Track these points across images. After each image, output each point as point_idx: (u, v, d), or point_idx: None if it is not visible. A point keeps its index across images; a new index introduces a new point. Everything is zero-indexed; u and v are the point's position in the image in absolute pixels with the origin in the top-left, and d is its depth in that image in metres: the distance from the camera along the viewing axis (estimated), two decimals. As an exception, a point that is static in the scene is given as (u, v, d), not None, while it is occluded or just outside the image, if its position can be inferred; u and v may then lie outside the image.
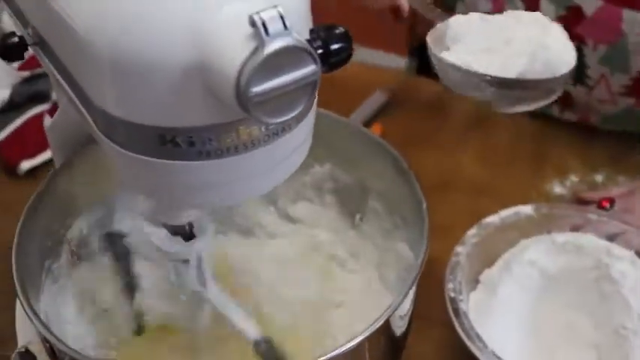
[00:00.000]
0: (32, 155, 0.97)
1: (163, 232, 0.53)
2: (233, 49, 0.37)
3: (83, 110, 0.47)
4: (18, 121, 1.00)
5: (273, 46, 0.36)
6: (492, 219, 0.80)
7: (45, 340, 0.52)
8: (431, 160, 0.96)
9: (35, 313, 0.49)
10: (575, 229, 0.80)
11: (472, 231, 0.78)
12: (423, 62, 1.31)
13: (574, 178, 0.94)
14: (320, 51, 0.41)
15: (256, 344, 0.55)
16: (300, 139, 0.46)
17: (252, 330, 0.55)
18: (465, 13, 1.01)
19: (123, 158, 0.44)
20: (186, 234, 0.53)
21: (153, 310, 0.63)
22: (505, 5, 0.97)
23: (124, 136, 0.43)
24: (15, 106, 1.02)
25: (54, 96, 1.02)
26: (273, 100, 0.38)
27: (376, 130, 1.01)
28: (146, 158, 0.43)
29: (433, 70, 0.75)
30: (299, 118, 0.44)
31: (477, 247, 0.77)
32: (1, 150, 0.98)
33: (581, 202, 0.90)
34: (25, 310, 0.49)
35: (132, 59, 0.40)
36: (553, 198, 0.92)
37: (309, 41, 0.39)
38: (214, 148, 0.42)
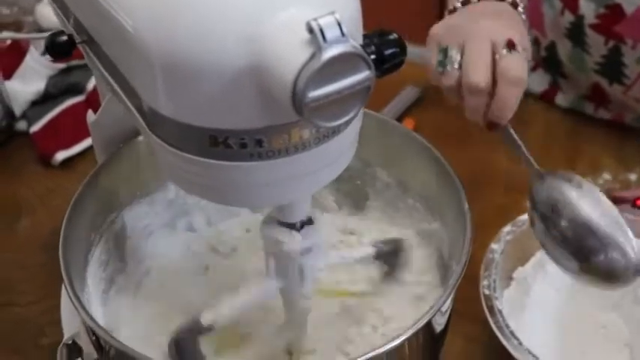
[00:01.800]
0: (67, 146, 0.98)
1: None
2: (290, 55, 0.38)
3: (133, 109, 0.48)
4: (53, 112, 1.02)
5: (330, 52, 0.37)
6: (526, 216, 0.80)
7: (91, 332, 0.53)
8: (463, 156, 0.95)
9: (82, 306, 0.50)
10: (610, 228, 0.80)
11: (506, 228, 0.79)
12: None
13: (607, 177, 0.94)
14: (373, 57, 0.41)
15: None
16: (348, 140, 0.47)
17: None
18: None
19: (173, 158, 0.45)
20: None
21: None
22: (542, 4, 0.96)
23: (175, 136, 0.44)
24: (50, 97, 1.03)
25: (89, 87, 1.03)
26: (328, 104, 0.38)
27: (408, 125, 1.01)
28: (197, 158, 0.44)
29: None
30: (349, 121, 0.44)
31: (511, 245, 0.78)
32: (36, 141, 1.00)
33: (615, 200, 0.89)
34: (72, 303, 0.50)
35: (186, 62, 0.40)
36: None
37: (362, 47, 0.39)
38: (266, 150, 0.43)
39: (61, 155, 0.97)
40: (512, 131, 0.69)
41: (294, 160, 0.44)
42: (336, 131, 0.45)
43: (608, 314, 0.76)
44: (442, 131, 1.00)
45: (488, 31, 0.66)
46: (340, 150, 0.47)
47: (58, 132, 0.99)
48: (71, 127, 1.00)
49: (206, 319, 0.53)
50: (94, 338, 0.53)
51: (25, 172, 0.99)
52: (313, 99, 0.38)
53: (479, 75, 0.64)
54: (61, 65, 1.04)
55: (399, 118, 1.03)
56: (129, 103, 0.49)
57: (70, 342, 0.53)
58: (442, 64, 0.68)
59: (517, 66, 0.65)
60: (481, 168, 0.96)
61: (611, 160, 0.96)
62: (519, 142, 0.69)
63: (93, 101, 1.02)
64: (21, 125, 1.02)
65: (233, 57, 0.40)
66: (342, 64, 0.38)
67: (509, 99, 0.66)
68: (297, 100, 0.38)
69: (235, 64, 0.40)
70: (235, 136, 0.42)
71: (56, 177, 0.98)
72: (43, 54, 1.04)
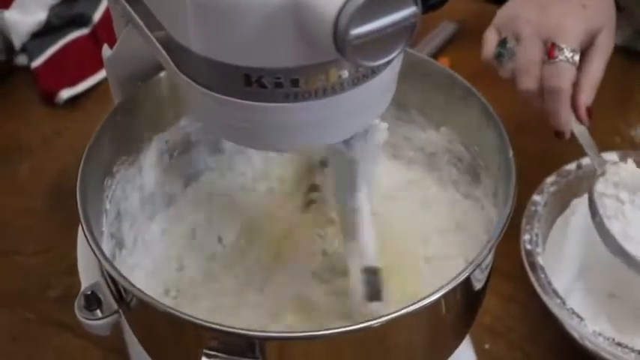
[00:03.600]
0: (72, 83, 1.00)
1: None
2: (332, -11, 0.39)
3: (160, 48, 0.49)
4: (56, 46, 1.04)
5: (375, -14, 0.38)
6: (572, 166, 0.82)
7: (112, 282, 0.55)
8: (503, 98, 0.96)
9: (104, 255, 0.52)
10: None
11: (550, 179, 0.81)
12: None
13: (662, 125, 0.95)
14: (419, -9, 0.43)
15: (367, 270, 0.58)
16: (387, 81, 0.49)
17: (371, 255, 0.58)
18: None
19: (202, 98, 0.47)
20: None
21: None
22: None
23: (207, 75, 0.46)
24: (52, 29, 1.05)
25: (95, 18, 1.05)
26: (371, 42, 0.40)
27: (444, 63, 1.02)
28: (229, 99, 0.46)
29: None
30: (390, 61, 0.46)
31: (555, 196, 0.80)
32: (38, 77, 1.02)
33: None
34: (93, 252, 0.53)
35: (221, -5, 0.42)
36: (638, 144, 0.93)
37: (409, -19, 0.41)
38: (302, 91, 0.45)
39: (65, 93, 1.00)
40: (578, 134, 0.77)
41: (331, 101, 0.46)
42: (375, 71, 0.46)
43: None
44: (480, 70, 1.00)
45: (542, 29, 0.73)
46: (379, 91, 0.49)
47: (61, 68, 1.01)
48: (76, 62, 1.01)
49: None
50: (114, 288, 0.56)
51: (27, 110, 1.01)
52: (356, 36, 0.39)
53: (526, 84, 0.73)
54: (64, -6, 1.05)
55: (434, 56, 1.04)
56: (153, 39, 0.50)
57: (89, 292, 0.56)
58: (500, 55, 0.76)
59: (554, 75, 0.72)
60: (523, 112, 0.96)
61: (667, 106, 0.97)
62: (590, 144, 0.77)
63: (100, 34, 1.03)
64: (21, 59, 1.04)
65: (272, -9, 0.41)
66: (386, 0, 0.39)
67: (554, 109, 0.73)
68: (338, 37, 0.39)
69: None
70: (270, 76, 0.44)
71: (60, 117, 1.00)
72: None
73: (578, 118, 0.76)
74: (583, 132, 0.77)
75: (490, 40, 0.78)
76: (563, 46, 0.72)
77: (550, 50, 0.71)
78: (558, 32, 0.72)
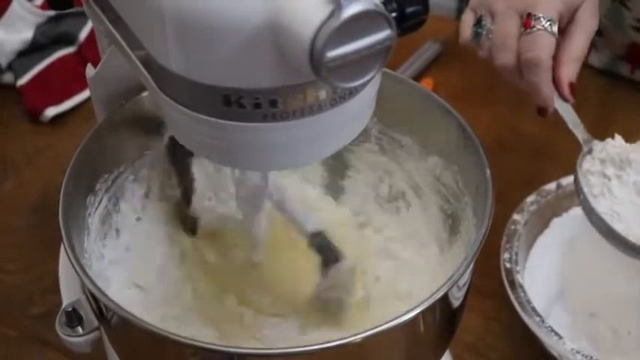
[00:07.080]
0: (58, 101, 1.01)
1: None
2: (308, 12, 0.40)
3: (141, 67, 0.50)
4: (42, 64, 1.05)
5: (350, 10, 0.39)
6: (552, 186, 0.83)
7: (93, 299, 0.56)
8: (486, 118, 0.98)
9: (85, 272, 0.53)
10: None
11: (531, 198, 0.82)
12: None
13: (643, 145, 0.96)
14: (394, 14, 0.44)
15: (313, 236, 0.63)
16: (365, 102, 0.50)
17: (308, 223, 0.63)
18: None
19: (182, 117, 0.48)
20: None
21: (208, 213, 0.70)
22: None
23: (187, 95, 0.47)
24: (39, 47, 1.06)
25: (81, 37, 1.06)
26: (346, 64, 0.41)
27: (427, 84, 1.04)
28: (208, 119, 0.47)
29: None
30: (367, 82, 0.47)
31: (535, 215, 0.81)
32: (24, 95, 1.02)
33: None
34: (74, 268, 0.53)
35: (200, 17, 0.43)
36: (618, 164, 0.94)
37: (383, 4, 0.42)
38: (280, 111, 0.46)
39: (51, 111, 1.00)
40: (562, 112, 0.73)
41: (309, 121, 0.47)
42: (353, 92, 0.47)
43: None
44: (464, 90, 1.02)
45: (517, 1, 0.70)
46: (357, 112, 0.50)
47: (47, 86, 1.02)
48: (62, 80, 1.02)
49: None
50: (95, 305, 0.56)
51: (12, 128, 1.02)
52: (331, 59, 0.40)
53: (503, 59, 0.70)
54: (51, 12, 1.06)
55: (419, 77, 1.05)
56: (135, 58, 0.51)
57: (70, 309, 0.56)
58: (477, 35, 0.73)
59: (532, 45, 0.69)
60: (505, 131, 0.98)
61: (647, 126, 0.98)
62: (575, 121, 0.74)
63: (85, 52, 1.04)
64: (7, 78, 1.05)
65: (249, 13, 0.42)
66: (361, 23, 0.40)
67: (535, 84, 0.70)
68: (314, 59, 0.40)
69: (252, 21, 0.42)
70: (249, 96, 0.45)
71: (45, 134, 1.01)
72: (31, -1, 1.07)
73: (561, 94, 0.72)
74: (567, 109, 0.74)
75: (466, 22, 0.75)
76: (539, 15, 0.69)
77: (526, 21, 0.69)
78: (534, 3, 0.70)
